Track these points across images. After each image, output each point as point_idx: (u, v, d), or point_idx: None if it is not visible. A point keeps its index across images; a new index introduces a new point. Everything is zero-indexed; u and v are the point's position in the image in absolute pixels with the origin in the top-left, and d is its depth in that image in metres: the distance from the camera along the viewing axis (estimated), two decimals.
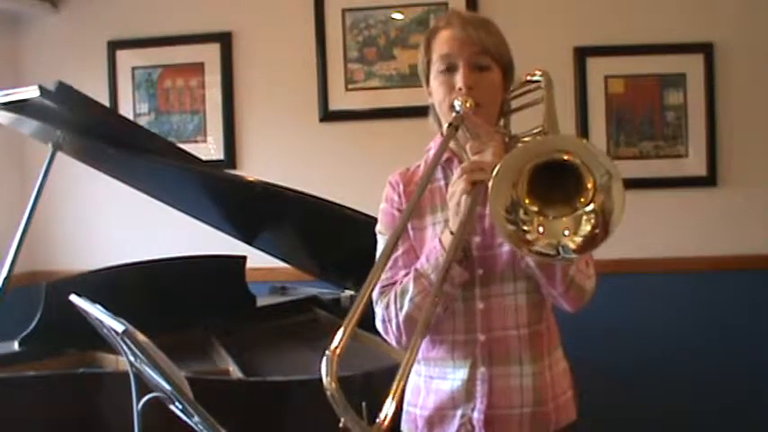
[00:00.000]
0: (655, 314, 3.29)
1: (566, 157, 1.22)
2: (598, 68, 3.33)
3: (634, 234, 3.14)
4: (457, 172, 1.38)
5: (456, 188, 1.37)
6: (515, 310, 1.51)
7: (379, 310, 1.53)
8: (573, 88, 3.33)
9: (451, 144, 1.57)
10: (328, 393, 1.08)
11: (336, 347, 1.11)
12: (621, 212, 1.21)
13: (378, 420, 1.08)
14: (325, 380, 1.08)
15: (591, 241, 1.24)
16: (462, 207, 1.34)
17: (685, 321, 3.29)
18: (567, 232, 1.25)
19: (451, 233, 1.39)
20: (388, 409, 1.09)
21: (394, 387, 1.10)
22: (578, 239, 1.24)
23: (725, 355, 3.27)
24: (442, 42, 1.53)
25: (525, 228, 1.25)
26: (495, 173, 1.23)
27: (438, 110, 1.55)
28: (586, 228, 1.23)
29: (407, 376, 1.13)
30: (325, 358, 1.10)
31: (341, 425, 1.08)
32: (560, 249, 1.25)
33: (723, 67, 3.28)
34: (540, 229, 1.25)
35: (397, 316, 1.49)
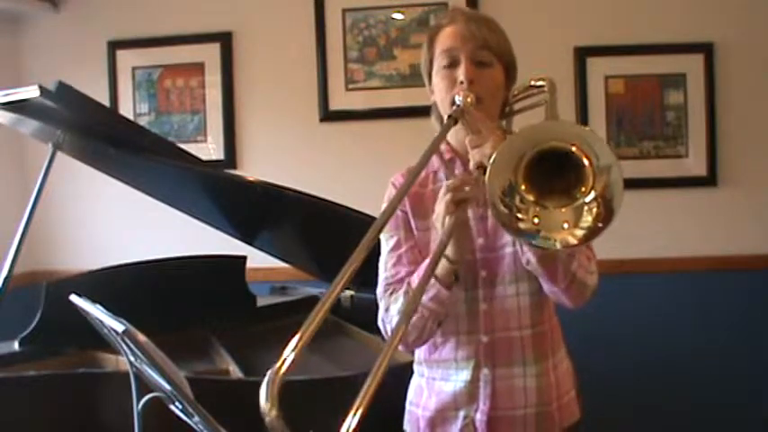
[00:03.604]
0: (655, 314, 3.28)
1: (573, 148, 1.20)
2: (598, 68, 3.33)
3: (634, 234, 3.14)
4: (442, 189, 1.35)
5: (440, 209, 1.34)
6: (518, 311, 1.51)
7: (380, 310, 1.53)
8: (573, 88, 3.33)
9: (455, 143, 1.57)
10: (266, 421, 0.87)
11: (279, 368, 0.91)
12: (621, 200, 1.19)
13: None
14: (263, 404, 0.88)
15: (593, 231, 1.22)
16: (445, 228, 1.31)
17: (685, 321, 3.29)
18: (566, 225, 1.23)
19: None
20: (350, 423, 0.91)
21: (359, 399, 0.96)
22: (580, 232, 1.22)
23: (725, 355, 3.27)
24: (445, 38, 1.53)
25: (519, 215, 1.23)
26: (493, 156, 1.23)
27: (440, 106, 1.55)
28: (588, 218, 1.21)
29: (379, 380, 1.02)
30: (266, 379, 0.89)
31: None
32: (558, 243, 1.23)
33: (723, 67, 3.28)
34: (536, 221, 1.23)
35: (391, 321, 1.51)
